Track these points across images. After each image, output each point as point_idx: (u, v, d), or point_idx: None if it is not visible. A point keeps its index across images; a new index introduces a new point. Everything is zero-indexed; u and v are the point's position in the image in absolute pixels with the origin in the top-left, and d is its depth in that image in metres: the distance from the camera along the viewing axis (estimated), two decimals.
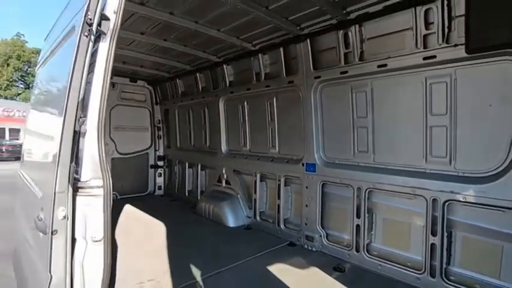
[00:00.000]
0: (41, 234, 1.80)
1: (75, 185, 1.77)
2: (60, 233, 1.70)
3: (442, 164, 3.20)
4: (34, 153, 2.99)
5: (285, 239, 4.61)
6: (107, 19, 1.80)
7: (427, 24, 3.12)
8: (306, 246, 4.34)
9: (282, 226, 4.81)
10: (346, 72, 3.87)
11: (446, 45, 3.01)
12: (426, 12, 3.10)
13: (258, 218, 5.25)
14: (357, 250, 3.78)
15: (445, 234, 3.07)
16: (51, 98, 2.61)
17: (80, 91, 1.75)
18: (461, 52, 2.87)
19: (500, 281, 2.77)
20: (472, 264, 2.98)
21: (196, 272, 3.51)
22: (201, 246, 4.40)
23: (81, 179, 1.81)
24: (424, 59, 3.16)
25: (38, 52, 40.49)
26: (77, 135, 1.77)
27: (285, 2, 3.49)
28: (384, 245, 3.69)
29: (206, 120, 6.77)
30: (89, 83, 1.80)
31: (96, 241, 1.82)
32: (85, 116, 1.81)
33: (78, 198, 1.79)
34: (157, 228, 5.12)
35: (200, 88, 6.62)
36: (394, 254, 3.54)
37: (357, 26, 3.68)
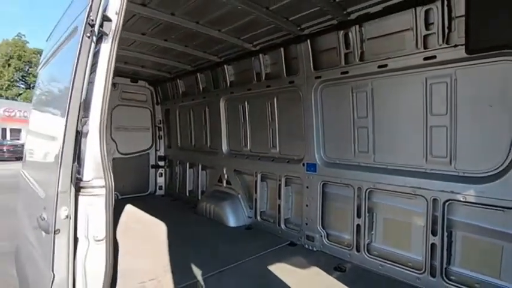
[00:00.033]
0: (43, 233, 1.82)
1: (78, 185, 1.79)
2: (63, 232, 1.71)
3: (442, 164, 3.20)
4: (36, 153, 3.01)
5: (286, 239, 4.62)
6: (109, 20, 1.82)
7: (427, 25, 3.13)
8: (306, 246, 4.35)
9: (282, 226, 4.82)
10: (346, 72, 3.88)
11: (447, 45, 3.01)
12: (426, 12, 3.11)
13: (258, 217, 5.26)
14: (358, 250, 3.79)
15: (445, 234, 3.08)
16: (54, 98, 2.62)
17: (82, 91, 1.77)
18: (461, 52, 2.88)
19: (501, 280, 2.78)
20: (472, 264, 2.99)
21: (197, 272, 3.52)
22: (202, 246, 4.42)
23: (84, 179, 1.83)
24: (425, 59, 3.17)
25: (39, 52, 40.62)
26: (79, 136, 1.79)
27: (285, 2, 3.50)
28: (384, 244, 3.69)
29: (207, 120, 6.78)
30: (91, 83, 1.82)
31: (98, 240, 1.83)
32: (87, 116, 1.82)
33: (80, 198, 1.80)
34: (158, 228, 5.13)
35: (201, 88, 6.64)
36: (394, 254, 3.55)
37: (358, 26, 3.68)
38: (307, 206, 4.42)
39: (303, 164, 4.45)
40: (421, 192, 3.24)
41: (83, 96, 1.78)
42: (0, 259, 4.23)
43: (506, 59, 2.68)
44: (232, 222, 5.41)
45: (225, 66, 5.75)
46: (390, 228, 3.68)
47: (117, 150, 7.37)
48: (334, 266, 3.69)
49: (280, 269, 3.62)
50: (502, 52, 2.66)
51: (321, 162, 4.28)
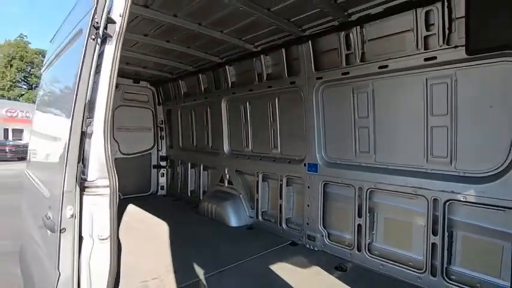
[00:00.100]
0: (49, 232, 1.85)
1: (82, 185, 1.82)
2: (68, 231, 1.74)
3: (442, 164, 3.22)
4: (41, 153, 3.04)
5: (287, 239, 4.64)
6: (113, 22, 1.85)
7: (428, 26, 3.15)
8: (307, 245, 4.37)
9: (284, 226, 4.84)
10: (347, 73, 3.90)
11: (447, 46, 3.03)
12: (427, 13, 3.13)
13: (260, 217, 5.29)
14: (359, 249, 3.81)
15: (446, 233, 3.09)
16: (58, 99, 2.65)
17: (87, 93, 1.80)
18: (461, 53, 2.90)
19: (501, 280, 2.79)
20: (473, 264, 3.00)
21: (199, 271, 3.55)
22: (203, 245, 4.45)
23: (88, 179, 1.85)
24: (425, 60, 3.18)
25: (40, 53, 40.81)
26: (84, 136, 1.82)
27: (287, 4, 3.52)
28: (385, 244, 3.71)
29: (208, 120, 6.81)
30: (95, 83, 1.85)
31: (103, 239, 1.86)
32: (91, 117, 1.85)
33: (85, 198, 1.84)
34: (160, 228, 5.16)
35: (202, 89, 6.67)
36: (395, 254, 3.56)
37: (358, 27, 3.70)
38: (308, 206, 4.44)
39: (304, 164, 4.47)
40: (422, 192, 3.25)
41: (88, 97, 1.81)
42: (3, 259, 4.27)
43: (506, 59, 2.69)
44: (233, 222, 5.44)
45: (227, 67, 5.77)
46: (391, 228, 3.69)
47: (119, 150, 7.40)
48: (335, 266, 3.71)
49: (281, 269, 3.65)
50: (502, 53, 2.67)
51: (322, 163, 4.30)
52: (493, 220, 2.83)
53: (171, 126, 8.09)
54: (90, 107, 1.83)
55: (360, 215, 3.82)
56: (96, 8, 1.76)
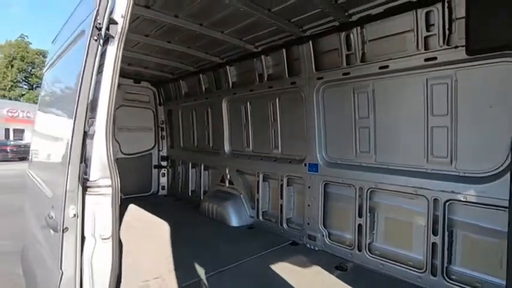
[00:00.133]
0: (51, 231, 1.86)
1: (84, 184, 1.83)
2: (71, 230, 1.75)
3: (443, 164, 3.23)
4: (43, 153, 3.05)
5: (288, 239, 4.66)
6: (115, 23, 1.86)
7: (428, 26, 3.16)
8: (308, 245, 4.38)
9: (284, 225, 4.85)
10: (348, 73, 3.91)
11: (447, 46, 3.04)
12: (427, 14, 3.14)
13: (260, 217, 5.30)
14: (359, 249, 3.81)
15: (446, 233, 3.11)
16: (60, 100, 2.66)
17: (89, 93, 1.81)
18: (461, 54, 2.91)
19: (501, 279, 2.79)
20: (473, 263, 3.01)
21: (201, 271, 3.56)
22: (204, 245, 4.46)
23: (90, 179, 1.86)
24: (425, 60, 3.19)
25: (41, 53, 40.88)
26: (86, 136, 1.83)
27: (287, 4, 3.54)
28: (385, 244, 3.72)
29: (209, 120, 6.82)
30: (97, 83, 1.86)
31: (105, 239, 1.87)
32: (94, 117, 1.87)
33: (87, 197, 1.84)
34: (161, 228, 5.18)
35: (203, 89, 6.69)
36: (395, 253, 3.57)
37: (359, 28, 3.72)
38: (309, 205, 4.45)
39: (305, 164, 4.49)
40: (422, 192, 3.26)
41: (90, 98, 1.82)
42: (4, 258, 4.28)
43: (506, 60, 2.70)
44: (234, 222, 5.45)
45: (228, 67, 5.79)
46: (391, 228, 3.70)
47: (120, 150, 7.42)
48: (336, 265, 3.72)
49: (282, 268, 3.66)
50: (502, 53, 2.68)
51: (322, 163, 4.31)
52: (493, 220, 2.84)
53: (172, 126, 8.12)
54: (92, 107, 1.84)
55: (360, 215, 3.83)
56: (98, 9, 1.77)
